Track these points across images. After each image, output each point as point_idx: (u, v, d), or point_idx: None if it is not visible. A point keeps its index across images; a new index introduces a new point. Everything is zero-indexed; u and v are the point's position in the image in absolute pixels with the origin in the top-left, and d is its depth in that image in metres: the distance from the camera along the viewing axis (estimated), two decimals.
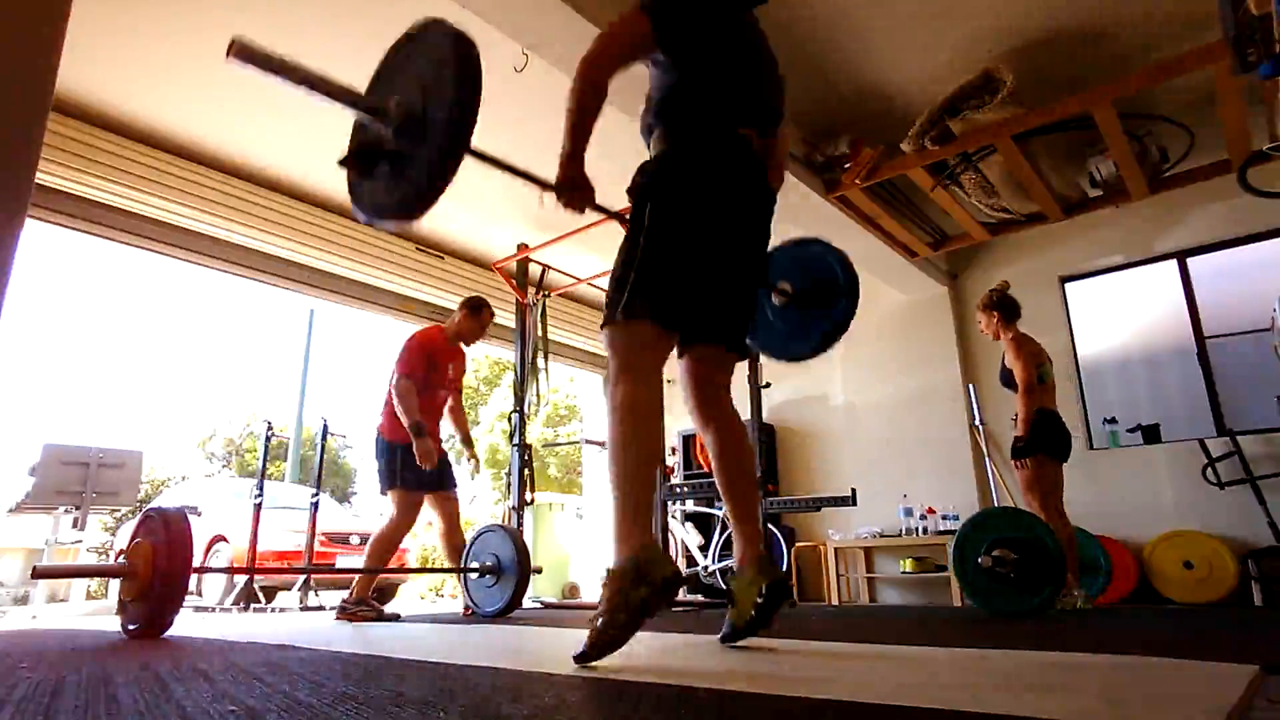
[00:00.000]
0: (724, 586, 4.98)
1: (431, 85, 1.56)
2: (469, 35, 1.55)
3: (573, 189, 1.62)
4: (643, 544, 1.39)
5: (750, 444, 1.80)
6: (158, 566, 2.30)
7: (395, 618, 3.42)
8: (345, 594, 3.48)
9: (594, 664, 1.41)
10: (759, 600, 1.58)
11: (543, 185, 1.68)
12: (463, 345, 3.82)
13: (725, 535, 5.55)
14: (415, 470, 3.42)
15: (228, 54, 1.36)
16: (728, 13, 1.79)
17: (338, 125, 1.88)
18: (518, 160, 1.68)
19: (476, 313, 3.77)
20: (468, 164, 1.52)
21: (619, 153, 2.37)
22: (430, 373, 3.58)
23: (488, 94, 1.48)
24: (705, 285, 1.62)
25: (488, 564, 3.66)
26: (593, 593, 6.87)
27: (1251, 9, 1.98)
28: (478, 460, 3.93)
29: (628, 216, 1.69)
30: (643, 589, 1.34)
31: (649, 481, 1.48)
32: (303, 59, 1.55)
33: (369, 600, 3.42)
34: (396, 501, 3.48)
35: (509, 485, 4.93)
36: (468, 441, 3.93)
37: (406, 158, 1.60)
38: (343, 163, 1.82)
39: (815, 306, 2.24)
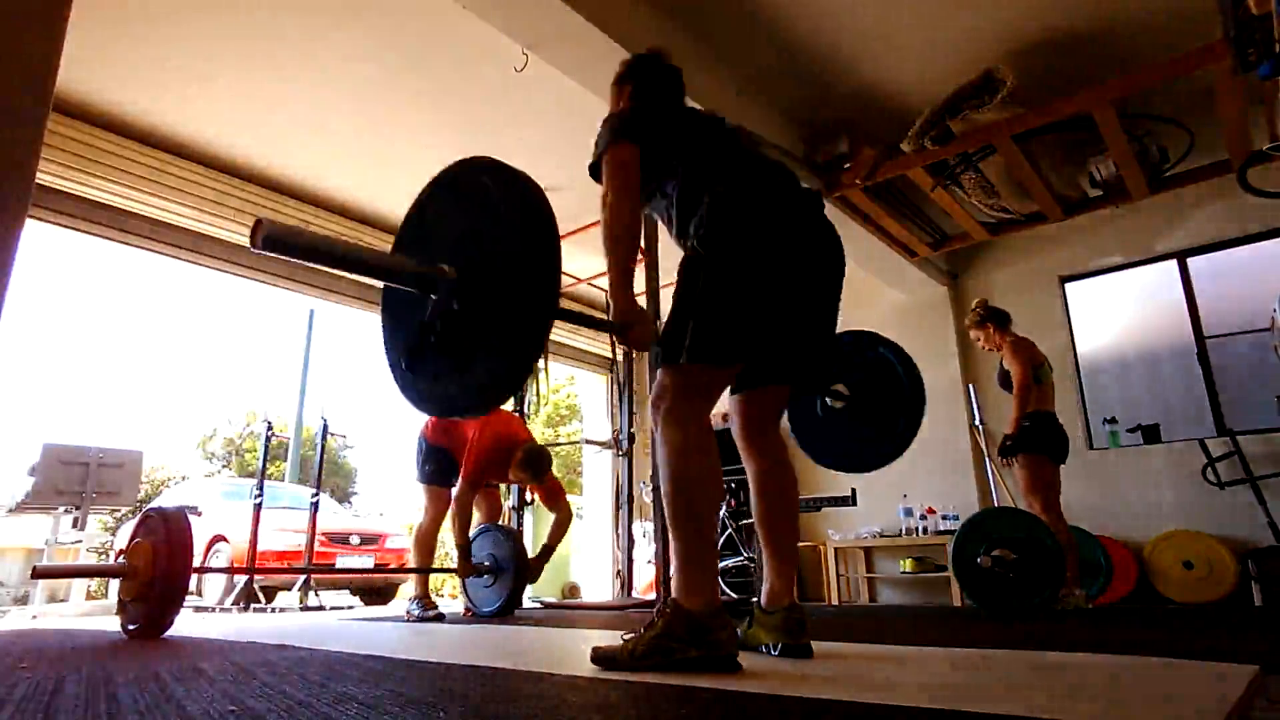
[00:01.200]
0: (725, 589, 4.98)
1: (495, 238, 1.31)
2: (526, 175, 1.35)
3: (631, 324, 1.54)
4: (716, 605, 1.36)
5: (795, 481, 1.72)
6: (158, 566, 2.30)
7: (440, 617, 3.46)
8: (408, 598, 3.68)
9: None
10: (772, 650, 1.58)
11: (608, 328, 1.58)
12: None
13: (725, 535, 5.55)
14: (443, 470, 3.63)
15: (253, 243, 1.18)
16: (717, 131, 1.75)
17: (339, 125, 1.86)
18: (517, 160, 1.67)
19: (522, 466, 3.63)
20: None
21: None
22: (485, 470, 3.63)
23: (487, 93, 1.46)
24: (772, 326, 1.55)
25: (485, 564, 3.66)
26: (593, 592, 6.87)
27: (1251, 9, 1.98)
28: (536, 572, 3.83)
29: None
30: (696, 651, 1.32)
31: (714, 523, 1.46)
32: (302, 58, 1.51)
33: (427, 598, 3.55)
34: (426, 493, 3.66)
35: (509, 486, 4.93)
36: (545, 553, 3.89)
37: (472, 332, 1.32)
38: (397, 364, 1.50)
39: (872, 419, 2.11)
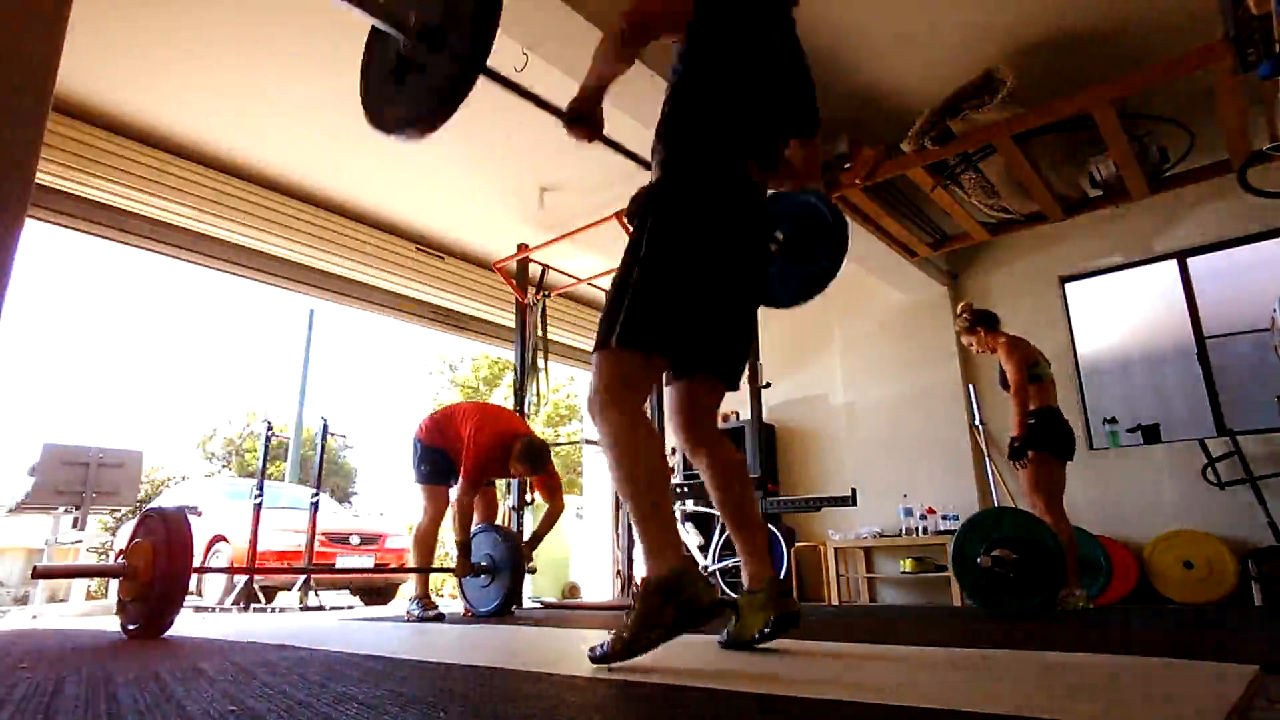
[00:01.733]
0: (724, 590, 4.99)
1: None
2: None
3: (581, 120, 1.67)
4: (679, 564, 1.38)
5: (744, 464, 1.76)
6: (158, 566, 2.30)
7: (441, 617, 3.48)
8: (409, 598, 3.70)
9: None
10: (765, 629, 1.59)
11: (554, 112, 1.71)
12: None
13: (725, 535, 5.55)
14: (432, 465, 3.64)
15: None
16: (763, 20, 1.77)
17: (338, 125, 1.87)
18: (517, 160, 1.68)
19: (520, 459, 3.63)
20: (465, 164, 1.50)
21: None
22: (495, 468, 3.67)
23: (487, 96, 1.49)
24: (701, 316, 1.60)
25: (482, 564, 3.66)
26: (592, 592, 6.87)
27: (1251, 9, 1.98)
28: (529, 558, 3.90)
29: (635, 153, 1.70)
30: (677, 610, 1.34)
31: (665, 494, 1.47)
32: (302, 58, 1.55)
33: (428, 598, 3.56)
34: (423, 493, 3.66)
35: (509, 485, 4.93)
36: (534, 541, 3.95)
37: (424, 69, 1.62)
38: (364, 73, 1.81)
39: (804, 255, 2.23)
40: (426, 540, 3.65)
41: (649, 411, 4.09)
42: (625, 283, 1.55)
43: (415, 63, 1.66)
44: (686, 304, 1.55)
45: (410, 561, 3.66)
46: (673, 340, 1.55)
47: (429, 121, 1.61)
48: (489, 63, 1.60)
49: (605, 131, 1.82)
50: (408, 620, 3.38)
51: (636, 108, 3.19)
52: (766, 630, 1.58)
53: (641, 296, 1.52)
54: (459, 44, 1.55)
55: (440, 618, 3.40)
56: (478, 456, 3.49)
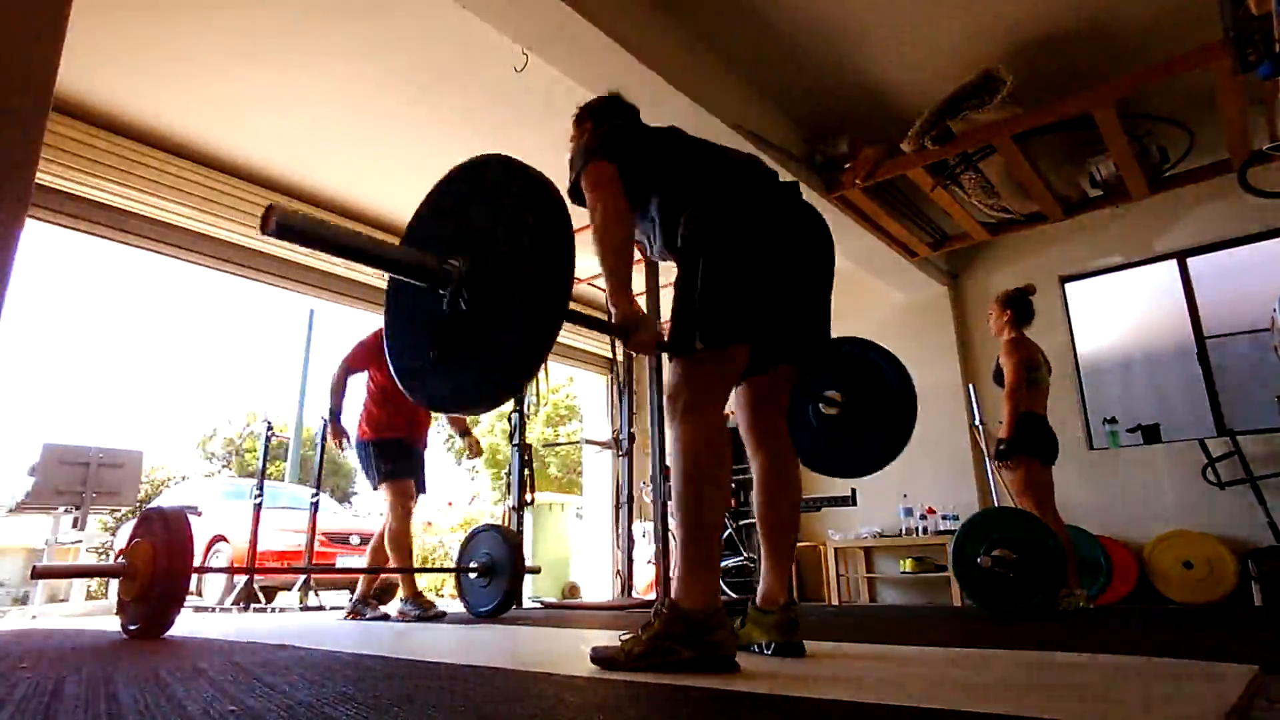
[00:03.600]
0: (724, 590, 4.98)
1: (507, 237, 1.31)
2: (542, 174, 1.37)
3: (634, 328, 1.55)
4: (715, 606, 1.36)
5: (799, 479, 1.72)
6: (158, 566, 2.30)
7: (385, 617, 3.59)
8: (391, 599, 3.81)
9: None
10: (764, 649, 1.58)
11: (613, 333, 1.58)
12: None
13: (724, 534, 5.55)
14: (402, 460, 3.57)
15: (263, 228, 1.14)
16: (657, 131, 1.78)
17: (338, 125, 1.85)
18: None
19: None
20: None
21: None
22: (384, 367, 3.56)
23: (487, 96, 1.47)
24: (769, 302, 1.57)
25: (482, 563, 3.66)
26: (592, 592, 6.87)
27: (1251, 9, 1.98)
28: (476, 443, 3.95)
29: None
30: (693, 651, 1.32)
31: (720, 525, 1.46)
32: (302, 58, 1.50)
33: (420, 596, 3.56)
34: (390, 493, 3.57)
35: (509, 485, 4.93)
36: (465, 433, 3.94)
37: (478, 332, 1.31)
38: (403, 361, 1.50)
39: (867, 423, 2.12)
40: (401, 540, 3.59)
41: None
42: (690, 289, 1.52)
43: (464, 327, 1.34)
44: (755, 293, 1.53)
45: (392, 565, 3.63)
46: (749, 331, 1.53)
47: (486, 402, 1.34)
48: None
49: None
50: (403, 621, 3.40)
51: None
52: (767, 651, 1.58)
53: (714, 295, 1.50)
54: (526, 302, 1.24)
55: (441, 615, 3.40)
56: (357, 344, 3.66)
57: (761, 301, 1.54)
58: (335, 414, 3.65)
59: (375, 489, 3.62)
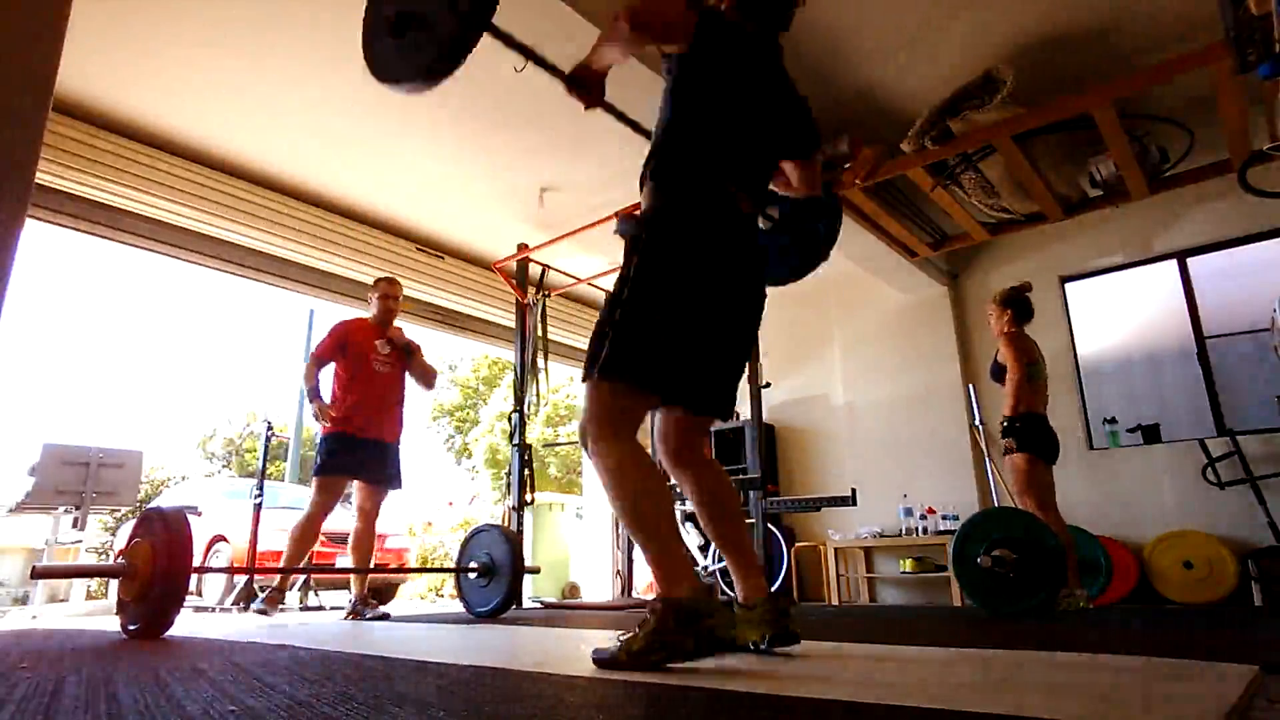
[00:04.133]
0: (724, 590, 4.98)
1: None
2: None
3: (584, 83, 1.70)
4: (699, 590, 1.38)
5: (729, 480, 1.73)
6: (158, 566, 2.30)
7: (385, 616, 3.56)
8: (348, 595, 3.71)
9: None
10: (760, 645, 1.58)
11: (556, 73, 1.71)
12: (392, 325, 3.94)
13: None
14: (336, 459, 3.59)
15: None
16: (754, 52, 1.74)
17: (339, 125, 1.85)
18: (517, 160, 1.67)
19: (374, 288, 3.93)
20: (465, 165, 1.48)
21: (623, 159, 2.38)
22: (350, 356, 3.72)
23: (487, 96, 1.48)
24: (691, 350, 1.55)
25: (482, 563, 3.66)
26: (592, 592, 6.87)
27: (1251, 9, 1.98)
28: (428, 368, 3.98)
29: (636, 123, 1.69)
30: (691, 640, 1.33)
31: (670, 520, 1.46)
32: (302, 58, 1.54)
33: (276, 593, 3.58)
34: (316, 487, 3.59)
35: (509, 485, 4.93)
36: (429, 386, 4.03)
37: (427, 20, 1.62)
38: (368, 28, 1.80)
39: (799, 230, 2.20)
40: (301, 529, 3.54)
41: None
42: (612, 313, 1.51)
43: (415, 15, 1.67)
44: (675, 338, 1.51)
45: (287, 557, 3.58)
46: (661, 375, 1.51)
47: (429, 78, 1.61)
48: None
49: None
50: (262, 615, 3.47)
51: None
52: (763, 646, 1.58)
53: (630, 329, 1.49)
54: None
55: (264, 614, 3.47)
56: (324, 340, 3.73)
57: (679, 351, 1.52)
58: (314, 392, 3.66)
59: (319, 474, 3.63)
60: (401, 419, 3.88)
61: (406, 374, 3.90)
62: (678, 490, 4.99)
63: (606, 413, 1.50)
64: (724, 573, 5.26)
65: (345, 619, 3.55)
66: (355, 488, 3.74)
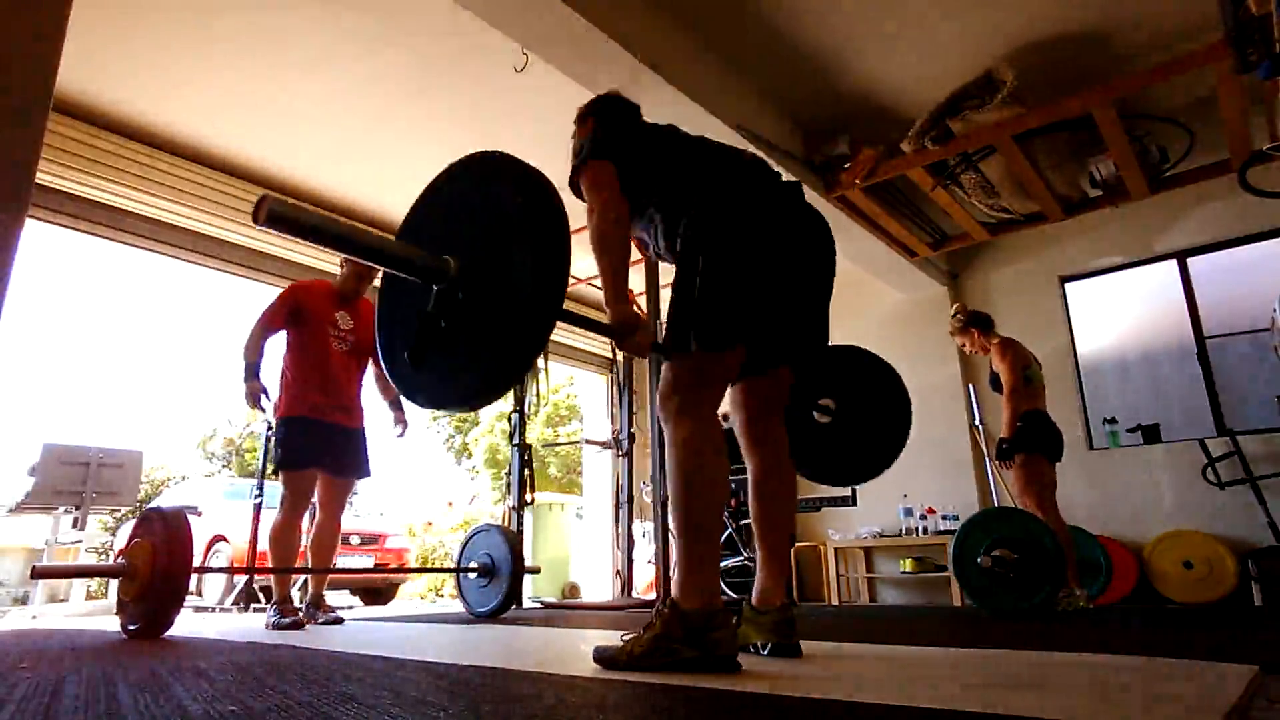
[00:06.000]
0: (724, 590, 4.99)
1: (503, 235, 1.29)
2: (539, 170, 1.37)
3: (629, 329, 1.53)
4: (716, 605, 1.36)
5: (794, 481, 1.71)
6: (158, 566, 2.30)
7: (299, 625, 2.96)
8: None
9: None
10: (761, 650, 1.58)
11: (608, 334, 1.54)
12: (364, 303, 3.46)
13: (725, 534, 5.55)
14: (299, 448, 3.12)
15: (255, 219, 1.15)
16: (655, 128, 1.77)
17: (339, 125, 1.84)
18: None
19: (348, 260, 3.39)
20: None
21: None
22: (303, 324, 3.22)
23: (487, 93, 1.46)
24: (768, 303, 1.56)
25: (482, 564, 3.66)
26: (592, 592, 6.87)
27: (1251, 9, 1.98)
28: (405, 424, 3.48)
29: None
30: (695, 651, 1.32)
31: (719, 523, 1.45)
32: (302, 58, 1.51)
33: (288, 604, 3.05)
34: (283, 483, 3.15)
35: (509, 485, 4.93)
36: (394, 403, 3.47)
37: (472, 330, 1.31)
38: (393, 354, 1.50)
39: (862, 428, 2.10)
40: (278, 533, 3.18)
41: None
42: (688, 288, 1.52)
43: (450, 328, 1.34)
44: (754, 295, 1.52)
45: (270, 563, 3.18)
46: (745, 333, 1.52)
47: (479, 400, 1.35)
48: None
49: None
50: (276, 630, 2.82)
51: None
52: (763, 652, 1.58)
53: (712, 296, 1.49)
54: (523, 302, 1.22)
55: (300, 625, 2.89)
56: (274, 299, 3.23)
57: (759, 304, 1.54)
58: (253, 369, 3.10)
59: (274, 474, 3.23)
60: (362, 404, 3.39)
61: (369, 364, 3.39)
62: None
63: (697, 380, 1.50)
64: (724, 573, 5.26)
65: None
66: (320, 481, 3.27)
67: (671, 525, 1.45)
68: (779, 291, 1.58)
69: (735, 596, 5.12)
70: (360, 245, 1.31)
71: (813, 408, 2.14)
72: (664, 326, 1.57)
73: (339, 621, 3.12)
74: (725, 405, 1.66)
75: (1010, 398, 3.44)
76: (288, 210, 1.19)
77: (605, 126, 1.79)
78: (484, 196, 1.39)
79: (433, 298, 1.34)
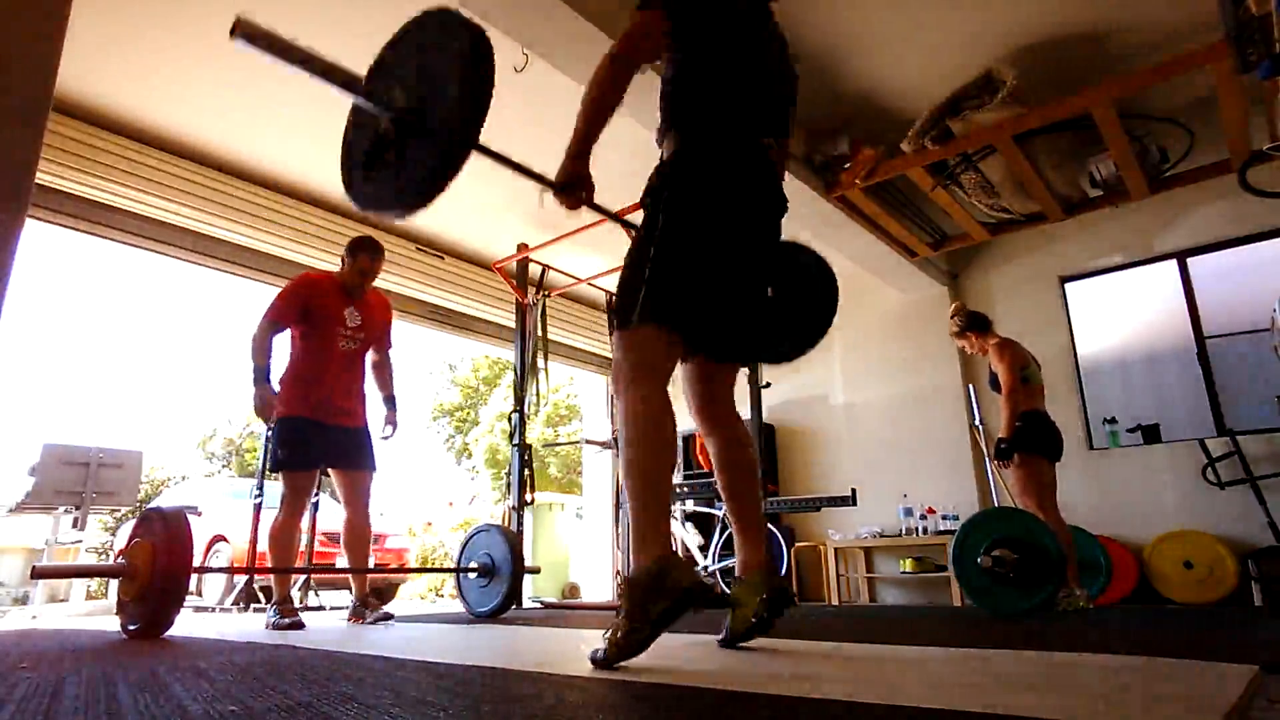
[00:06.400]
0: (725, 590, 4.99)
1: (438, 76, 1.52)
2: (479, 24, 1.51)
3: (573, 188, 1.61)
4: (662, 554, 1.38)
5: (754, 450, 1.78)
6: (158, 566, 2.30)
7: (388, 616, 3.11)
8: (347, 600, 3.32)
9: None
10: (762, 611, 1.59)
11: (544, 182, 1.66)
12: (370, 296, 3.40)
13: (725, 535, 5.55)
14: (299, 448, 3.07)
15: (232, 33, 1.34)
16: (743, 9, 1.76)
17: (338, 126, 1.85)
18: (517, 160, 1.67)
19: (352, 255, 3.29)
20: (470, 162, 1.49)
21: (624, 155, 2.38)
22: (311, 323, 3.16)
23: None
24: (716, 292, 1.59)
25: (482, 564, 3.65)
26: (592, 592, 6.87)
27: (1251, 9, 1.99)
28: (394, 425, 3.43)
29: (626, 219, 1.67)
30: (662, 601, 1.33)
31: (666, 489, 1.47)
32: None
33: (288, 604, 3.04)
34: (283, 483, 3.13)
35: (509, 485, 4.93)
36: (389, 400, 3.43)
37: (408, 151, 1.55)
38: (351, 169, 1.76)
39: (793, 308, 2.19)
40: (278, 535, 3.15)
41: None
42: (642, 259, 1.55)
43: (394, 145, 1.59)
44: (702, 279, 1.55)
45: (269, 563, 3.16)
46: (690, 315, 1.55)
47: (406, 207, 1.53)
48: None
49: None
50: (268, 629, 2.84)
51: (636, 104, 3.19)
52: (764, 614, 1.59)
53: (659, 273, 1.52)
54: (444, 131, 1.48)
55: (299, 625, 2.86)
56: (279, 294, 3.14)
57: (708, 292, 1.57)
58: (263, 374, 3.01)
59: (272, 474, 3.19)
60: (364, 403, 3.34)
61: (369, 357, 3.36)
62: (681, 489, 5.00)
63: (638, 356, 1.53)
64: (724, 573, 5.26)
65: (348, 621, 3.27)
66: (333, 477, 3.25)
67: (625, 495, 1.48)
68: (730, 278, 1.61)
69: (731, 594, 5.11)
70: (326, 69, 1.58)
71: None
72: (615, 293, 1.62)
73: (389, 618, 3.11)
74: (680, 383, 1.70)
75: (1009, 398, 3.44)
76: (259, 30, 1.46)
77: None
78: (437, 43, 1.61)
79: (384, 120, 1.61)
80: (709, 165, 1.61)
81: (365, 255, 3.31)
